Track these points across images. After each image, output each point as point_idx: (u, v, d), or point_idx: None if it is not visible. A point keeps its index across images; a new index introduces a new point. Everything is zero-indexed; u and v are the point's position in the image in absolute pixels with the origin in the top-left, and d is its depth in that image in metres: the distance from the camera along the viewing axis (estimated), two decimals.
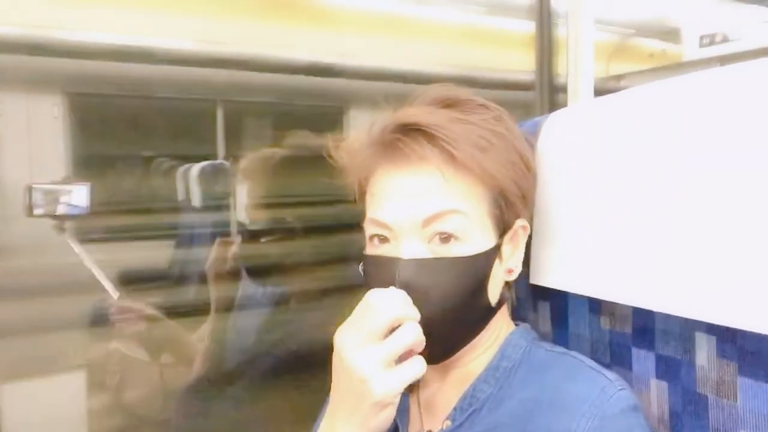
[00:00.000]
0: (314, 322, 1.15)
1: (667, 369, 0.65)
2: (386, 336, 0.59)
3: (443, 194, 0.64)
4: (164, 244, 1.76)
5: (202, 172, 1.71)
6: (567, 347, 0.73)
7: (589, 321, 0.75)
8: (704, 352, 0.61)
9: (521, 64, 1.51)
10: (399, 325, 0.60)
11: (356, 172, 0.71)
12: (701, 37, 2.20)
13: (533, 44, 1.46)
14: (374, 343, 0.59)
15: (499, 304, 0.71)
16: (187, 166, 1.80)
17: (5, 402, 1.06)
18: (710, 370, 0.61)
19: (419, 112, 0.66)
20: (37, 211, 1.33)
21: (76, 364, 1.21)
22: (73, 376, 1.21)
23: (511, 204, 0.68)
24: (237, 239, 1.30)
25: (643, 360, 0.68)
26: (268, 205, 1.19)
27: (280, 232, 1.17)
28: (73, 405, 1.18)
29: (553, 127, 0.77)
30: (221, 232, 1.61)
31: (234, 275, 1.25)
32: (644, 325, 0.68)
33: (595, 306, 0.74)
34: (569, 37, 1.27)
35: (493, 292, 0.68)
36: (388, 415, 0.59)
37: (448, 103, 0.69)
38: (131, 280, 1.40)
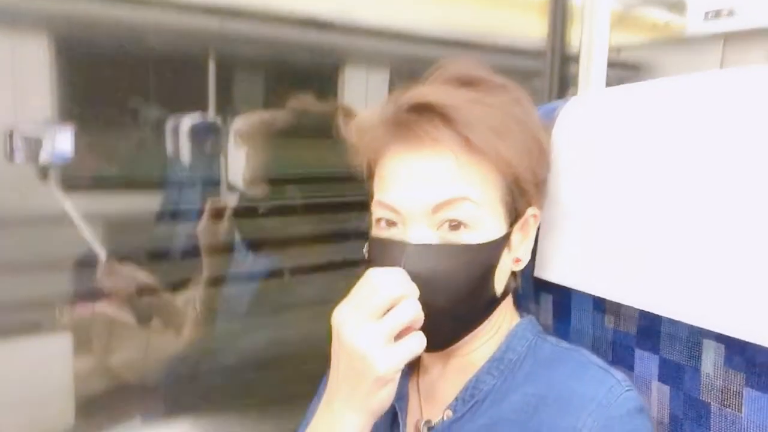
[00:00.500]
0: (309, 295, 1.13)
1: (671, 373, 0.65)
2: (385, 313, 0.58)
3: (456, 180, 0.62)
4: (151, 198, 1.72)
5: (193, 129, 1.66)
6: (568, 342, 0.72)
7: (593, 318, 0.74)
8: (711, 359, 0.61)
9: (532, 31, 1.47)
10: (398, 303, 0.59)
11: (365, 151, 0.69)
12: (706, 12, 2.16)
13: (546, 10, 1.41)
14: (373, 320, 0.58)
15: (505, 293, 0.70)
16: (176, 119, 1.74)
17: None
18: (716, 378, 0.60)
19: (435, 92, 0.64)
20: (18, 157, 1.29)
21: (59, 325, 1.19)
22: (57, 337, 1.19)
23: (525, 192, 0.66)
24: (228, 201, 1.27)
25: (646, 362, 0.67)
26: (267, 176, 1.15)
27: (277, 201, 1.15)
28: (58, 366, 1.17)
29: (570, 114, 0.74)
30: (210, 192, 1.58)
31: (227, 241, 1.23)
32: (650, 328, 0.67)
33: (600, 304, 0.73)
34: (584, 4, 1.22)
35: (500, 281, 0.67)
36: (389, 392, 0.59)
37: (466, 82, 0.66)
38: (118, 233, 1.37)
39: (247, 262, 1.26)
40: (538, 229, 0.72)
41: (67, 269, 1.32)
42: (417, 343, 0.59)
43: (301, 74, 2.03)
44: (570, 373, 0.64)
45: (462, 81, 0.67)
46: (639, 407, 0.61)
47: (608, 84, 1.43)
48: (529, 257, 0.70)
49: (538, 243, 0.74)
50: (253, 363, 1.21)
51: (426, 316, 0.61)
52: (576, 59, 1.24)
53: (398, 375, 0.59)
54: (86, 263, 1.27)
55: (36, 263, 1.24)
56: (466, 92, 0.65)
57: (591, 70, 1.11)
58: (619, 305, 0.70)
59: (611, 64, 2.26)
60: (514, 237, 0.67)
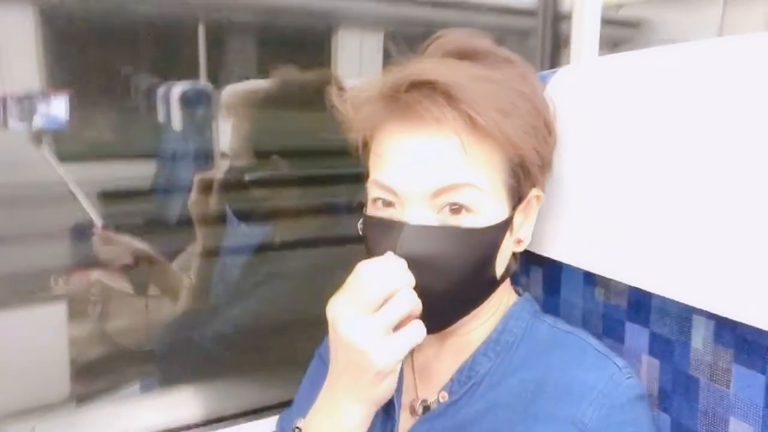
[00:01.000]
0: (298, 266, 1.13)
1: (661, 347, 0.65)
2: (382, 305, 0.57)
3: (460, 164, 0.59)
4: (145, 165, 1.71)
5: (183, 96, 1.64)
6: (558, 315, 0.72)
7: (583, 291, 0.74)
8: (701, 335, 0.60)
9: None
10: (393, 295, 0.58)
11: (361, 127, 0.65)
12: None
13: None
14: (369, 314, 0.56)
15: (505, 275, 0.68)
16: (167, 85, 1.72)
17: None
18: (705, 353, 0.60)
19: (437, 68, 0.60)
20: (12, 123, 1.28)
21: (56, 294, 1.19)
22: (54, 306, 1.19)
23: (529, 173, 0.64)
24: (217, 173, 1.26)
25: (636, 335, 0.67)
26: (252, 147, 1.14)
27: (264, 173, 1.14)
28: (53, 335, 1.18)
29: (561, 83, 0.72)
30: (203, 158, 1.56)
31: (218, 212, 1.22)
32: (640, 302, 0.67)
33: (590, 277, 0.72)
34: None
35: (501, 264, 0.66)
36: (390, 383, 0.58)
37: (469, 55, 0.64)
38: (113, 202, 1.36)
39: (238, 232, 1.25)
40: None
41: (63, 238, 1.32)
42: (416, 332, 0.57)
43: (293, 39, 2.00)
44: (569, 359, 0.63)
45: (464, 54, 0.64)
46: (640, 395, 0.60)
47: (607, 42, 1.39)
48: (530, 238, 0.68)
49: None
50: (248, 331, 1.21)
51: (423, 299, 0.59)
52: (570, 17, 1.20)
53: (399, 365, 0.57)
54: (82, 231, 1.27)
55: (33, 234, 1.24)
56: (469, 67, 0.62)
57: (584, 28, 1.07)
58: (609, 279, 0.69)
59: (610, 22, 2.22)
60: (516, 219, 0.65)
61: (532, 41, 1.42)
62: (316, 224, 1.16)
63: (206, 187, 1.18)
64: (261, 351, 1.20)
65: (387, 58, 1.62)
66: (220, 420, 1.12)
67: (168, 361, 1.23)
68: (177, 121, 1.69)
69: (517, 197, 0.64)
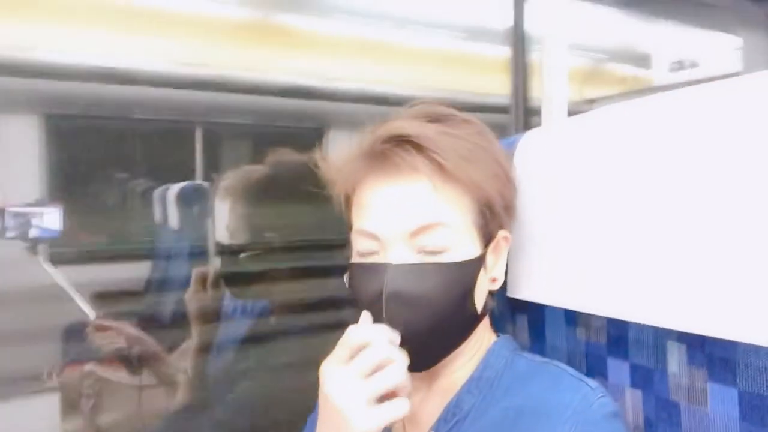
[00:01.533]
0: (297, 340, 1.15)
1: (641, 377, 0.67)
2: (372, 372, 0.60)
3: (432, 205, 0.65)
4: (141, 266, 1.75)
5: (181, 193, 1.70)
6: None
7: (566, 333, 0.76)
8: (675, 359, 0.63)
9: (499, 88, 1.54)
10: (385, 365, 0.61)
11: (343, 184, 0.71)
12: (671, 63, 2.26)
13: (509, 69, 1.49)
14: (359, 379, 0.60)
15: (483, 312, 0.71)
16: (164, 187, 1.79)
17: None
18: (681, 376, 0.62)
19: (409, 125, 0.67)
20: (9, 234, 1.33)
21: (49, 386, 1.20)
22: (46, 398, 1.19)
23: (496, 214, 0.69)
24: (215, 264, 1.30)
25: (618, 369, 0.69)
26: (250, 223, 1.19)
27: (260, 249, 1.17)
28: (45, 428, 1.17)
29: (528, 145, 0.79)
30: (199, 253, 1.61)
31: (215, 305, 1.25)
32: (618, 336, 0.69)
33: (572, 318, 0.75)
34: (543, 61, 1.30)
35: (479, 300, 0.69)
36: None
37: (434, 118, 0.70)
38: (107, 302, 1.39)
39: (236, 320, 1.27)
40: (508, 253, 0.75)
41: (57, 336, 1.34)
42: (400, 408, 0.60)
43: (286, 139, 2.10)
44: (545, 385, 0.66)
45: (430, 117, 0.71)
46: (613, 412, 0.63)
47: None
48: (503, 277, 0.73)
49: (509, 264, 0.77)
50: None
51: (411, 337, 0.64)
52: (538, 112, 1.31)
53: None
54: (75, 330, 1.28)
55: (28, 332, 1.26)
56: (435, 126, 0.68)
57: (551, 120, 1.17)
58: (589, 317, 0.72)
59: None
60: (489, 258, 0.70)
61: (501, 135, 1.52)
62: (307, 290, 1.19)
63: (204, 280, 1.22)
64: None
65: None
66: None
67: None
68: (174, 219, 1.74)
69: (487, 236, 0.69)
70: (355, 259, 0.70)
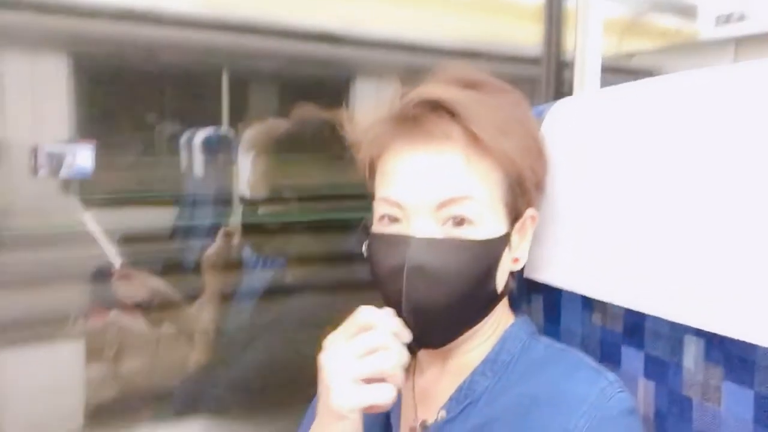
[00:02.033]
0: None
1: (655, 369, 0.66)
2: (365, 354, 0.60)
3: (463, 177, 0.63)
4: (167, 212, 1.77)
5: (206, 141, 1.70)
6: (558, 341, 0.73)
7: (582, 317, 0.75)
8: (692, 354, 0.62)
9: (531, 38, 1.48)
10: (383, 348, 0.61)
11: (369, 148, 0.69)
12: (717, 16, 2.16)
13: (542, 17, 1.42)
14: (350, 357, 0.60)
15: (503, 292, 0.70)
16: (190, 132, 1.79)
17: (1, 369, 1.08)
18: (696, 372, 0.61)
19: (443, 90, 0.65)
20: (41, 172, 1.34)
21: (74, 333, 1.23)
22: (70, 344, 1.22)
23: (526, 191, 0.67)
24: (236, 216, 1.30)
25: (632, 359, 0.68)
26: (269, 178, 1.18)
27: (278, 204, 1.17)
28: (69, 374, 1.21)
29: (557, 116, 0.76)
30: (222, 203, 1.62)
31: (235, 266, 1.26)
32: (635, 325, 0.68)
33: (588, 303, 0.74)
34: (578, 10, 1.23)
35: (501, 279, 0.68)
36: (347, 428, 0.60)
37: (468, 84, 0.68)
38: (134, 247, 1.41)
39: (258, 275, 1.28)
40: None
41: (83, 281, 1.37)
42: (383, 394, 0.59)
43: (313, 87, 2.07)
44: (562, 374, 0.65)
45: (464, 83, 0.68)
46: (630, 408, 0.62)
47: None
48: (526, 257, 0.71)
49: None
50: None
51: (428, 311, 0.63)
52: (572, 65, 1.25)
53: (358, 416, 0.60)
54: (101, 275, 1.31)
55: (55, 276, 1.29)
56: (469, 92, 0.66)
57: (585, 75, 1.12)
58: (606, 304, 0.71)
59: (622, 70, 2.26)
60: (514, 237, 0.68)
61: (534, 87, 1.47)
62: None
63: (227, 239, 1.23)
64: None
65: None
66: None
67: (181, 401, 1.25)
68: (198, 166, 1.74)
69: (514, 215, 0.67)
70: (376, 227, 0.68)
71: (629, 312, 0.68)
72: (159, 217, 1.78)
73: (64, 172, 1.39)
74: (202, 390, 1.21)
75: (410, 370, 0.77)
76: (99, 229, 1.40)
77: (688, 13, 2.28)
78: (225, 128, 1.89)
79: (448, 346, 0.69)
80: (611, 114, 0.68)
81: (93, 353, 1.23)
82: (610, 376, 0.63)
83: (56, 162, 1.40)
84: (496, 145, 0.63)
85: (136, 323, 1.20)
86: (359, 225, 1.10)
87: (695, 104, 0.58)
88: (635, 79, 0.69)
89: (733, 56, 2.17)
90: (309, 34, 1.83)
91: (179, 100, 1.98)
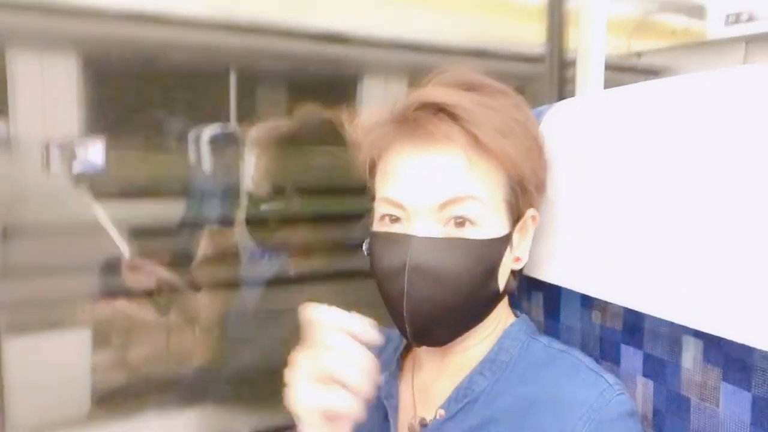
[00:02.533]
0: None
1: (654, 368, 0.66)
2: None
3: (465, 178, 0.63)
4: (176, 206, 1.78)
5: (213, 138, 1.71)
6: (558, 339, 0.73)
7: (581, 314, 0.75)
8: (690, 354, 0.62)
9: (534, 37, 1.48)
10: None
11: (370, 148, 0.70)
12: (727, 15, 2.14)
13: (545, 16, 1.42)
14: (310, 357, 0.57)
15: (504, 292, 0.71)
16: (198, 129, 1.80)
17: (8, 356, 1.09)
18: (695, 373, 0.61)
19: (444, 92, 0.65)
20: (53, 167, 1.36)
21: (82, 321, 1.25)
22: (78, 332, 1.24)
23: (527, 192, 0.68)
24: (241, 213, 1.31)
25: (631, 357, 0.69)
26: (272, 178, 1.19)
27: (281, 202, 1.18)
28: (77, 361, 1.22)
29: (556, 117, 0.76)
30: (229, 198, 1.63)
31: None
32: (634, 324, 0.68)
33: (588, 300, 0.74)
34: (580, 9, 1.23)
35: (502, 278, 0.68)
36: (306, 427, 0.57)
37: (469, 86, 0.68)
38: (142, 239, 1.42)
39: (260, 267, 1.30)
40: None
41: (92, 271, 1.38)
42: (340, 401, 0.55)
43: (321, 86, 2.08)
44: (561, 376, 0.65)
45: (465, 85, 0.68)
46: (630, 411, 0.62)
47: None
48: (527, 257, 0.72)
49: None
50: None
51: (429, 310, 0.63)
52: (575, 64, 1.25)
53: (314, 418, 0.56)
54: (111, 266, 1.32)
55: (65, 266, 1.30)
56: (470, 95, 0.66)
57: (588, 73, 1.12)
58: (605, 302, 0.71)
59: (631, 70, 2.25)
60: (515, 236, 0.69)
61: (537, 86, 1.47)
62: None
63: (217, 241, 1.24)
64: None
65: None
66: None
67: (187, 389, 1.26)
68: (206, 162, 1.76)
69: (515, 215, 0.68)
70: (377, 226, 0.69)
71: (629, 311, 0.68)
72: (167, 210, 1.80)
73: (75, 167, 1.41)
74: (207, 379, 1.22)
75: (409, 367, 0.77)
76: (109, 221, 1.41)
77: (697, 12, 2.27)
78: (232, 125, 1.90)
79: (447, 345, 0.70)
80: (609, 115, 0.68)
81: (100, 341, 1.24)
82: (610, 378, 0.63)
83: (68, 157, 1.42)
84: (496, 146, 0.63)
85: (144, 311, 1.21)
86: (359, 218, 1.11)
87: (693, 106, 0.58)
88: (644, 77, 0.69)
89: (743, 55, 2.15)
90: (316, 35, 1.84)
91: (187, 99, 1.99)
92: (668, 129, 0.60)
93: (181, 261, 1.45)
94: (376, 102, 1.86)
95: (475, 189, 0.64)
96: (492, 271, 0.67)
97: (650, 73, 2.22)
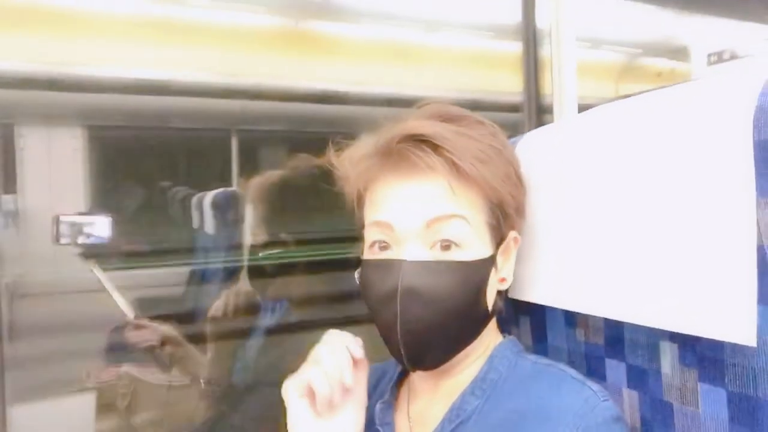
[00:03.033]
0: None
1: (637, 378, 0.67)
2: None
3: (449, 200, 0.66)
4: (182, 270, 1.81)
5: (215, 200, 1.76)
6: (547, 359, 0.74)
7: (566, 334, 0.77)
8: (668, 359, 0.63)
9: (516, 86, 1.54)
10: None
11: (357, 180, 0.72)
12: (709, 55, 2.20)
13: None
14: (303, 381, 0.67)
15: (492, 313, 0.73)
16: (200, 194, 1.85)
17: (14, 424, 1.10)
18: (674, 377, 0.62)
19: (424, 124, 0.68)
20: (63, 240, 1.40)
21: (88, 386, 1.26)
22: (83, 398, 1.25)
23: (507, 216, 0.71)
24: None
25: (615, 370, 0.70)
26: (268, 226, 1.23)
27: (279, 248, 1.21)
28: (82, 427, 1.23)
29: (528, 145, 0.79)
30: (234, 257, 1.66)
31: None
32: (615, 336, 0.70)
33: (571, 319, 0.76)
34: (552, 56, 1.28)
35: (489, 299, 0.71)
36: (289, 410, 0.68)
37: (448, 118, 0.71)
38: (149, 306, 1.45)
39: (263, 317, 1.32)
40: None
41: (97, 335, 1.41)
42: (317, 377, 0.66)
43: (319, 143, 2.12)
44: (547, 388, 0.66)
45: (444, 117, 0.71)
46: (615, 416, 0.63)
47: None
48: (512, 277, 0.74)
49: None
50: None
51: (423, 332, 0.66)
52: (551, 111, 1.31)
53: (293, 393, 0.67)
54: (116, 332, 1.35)
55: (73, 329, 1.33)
56: (450, 125, 0.69)
57: (563, 117, 1.17)
58: (586, 318, 0.73)
59: None
60: (499, 258, 0.71)
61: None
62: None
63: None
64: None
65: None
66: None
67: None
68: (209, 225, 1.80)
69: (498, 237, 0.70)
70: (367, 255, 0.71)
71: (609, 324, 0.70)
72: (172, 276, 1.83)
73: (82, 240, 1.45)
74: None
75: (404, 395, 0.78)
76: (113, 287, 1.44)
77: (681, 53, 2.33)
78: (234, 187, 1.95)
79: (440, 369, 0.71)
80: (579, 138, 0.72)
81: (105, 406, 1.25)
82: (594, 386, 0.65)
83: (76, 231, 1.46)
84: (476, 173, 0.66)
85: (148, 374, 1.23)
86: (352, 261, 1.14)
87: (659, 121, 0.61)
88: None
89: None
90: (313, 95, 1.91)
91: (191, 165, 2.05)
92: (635, 145, 0.63)
93: (187, 318, 1.47)
94: None
95: (459, 209, 0.67)
96: (479, 292, 0.69)
97: None
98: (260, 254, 1.22)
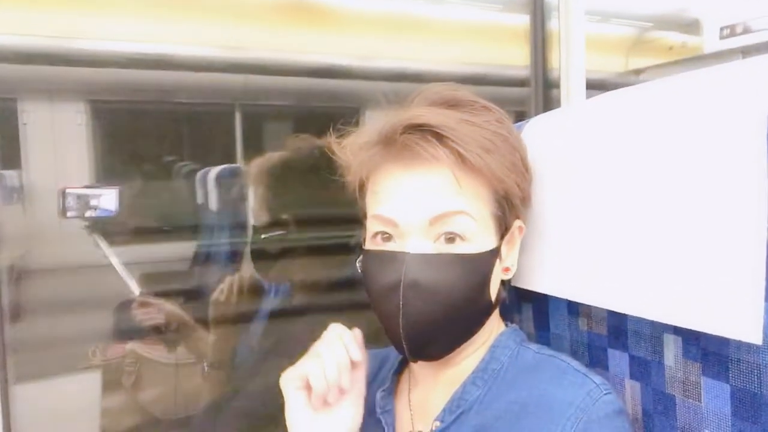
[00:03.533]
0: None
1: (640, 369, 0.66)
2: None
3: (454, 194, 0.65)
4: (187, 245, 1.82)
5: (218, 176, 1.75)
6: (549, 347, 0.74)
7: (569, 323, 0.76)
8: (672, 352, 0.62)
9: (521, 60, 1.51)
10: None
11: (359, 169, 0.71)
12: (721, 29, 2.16)
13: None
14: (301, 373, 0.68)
15: (496, 302, 0.72)
16: (205, 170, 1.84)
17: (18, 402, 1.11)
18: (677, 370, 0.62)
19: (427, 113, 0.66)
20: (70, 214, 1.40)
21: (94, 363, 1.27)
22: (89, 375, 1.26)
23: (513, 206, 0.69)
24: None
25: (618, 360, 0.69)
26: (268, 208, 1.22)
27: (280, 229, 1.21)
28: (87, 404, 1.24)
29: (534, 130, 0.78)
30: (237, 234, 1.66)
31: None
32: (618, 327, 0.69)
33: (574, 308, 0.75)
34: (560, 29, 1.26)
35: (493, 289, 0.70)
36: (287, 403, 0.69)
37: (452, 104, 0.69)
38: (154, 281, 1.45)
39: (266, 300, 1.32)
40: None
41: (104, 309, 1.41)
42: (313, 369, 0.67)
43: (323, 118, 2.11)
44: (549, 379, 0.66)
45: (449, 103, 0.70)
46: (618, 410, 0.62)
47: None
48: (516, 266, 0.73)
49: None
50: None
51: (425, 325, 0.65)
52: (559, 85, 1.28)
53: (289, 385, 0.68)
54: (123, 309, 1.35)
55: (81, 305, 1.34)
56: (454, 113, 0.68)
57: (570, 92, 1.14)
58: (590, 308, 0.72)
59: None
60: (503, 249, 0.70)
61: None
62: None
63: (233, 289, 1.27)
64: None
65: None
66: None
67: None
68: (213, 200, 1.80)
69: (503, 227, 0.69)
70: (370, 245, 0.70)
71: (612, 315, 0.69)
72: (178, 250, 1.83)
73: (89, 213, 1.45)
74: (218, 417, 1.23)
75: (405, 382, 0.78)
76: (120, 263, 1.45)
77: (693, 27, 2.29)
78: (238, 163, 1.94)
79: (443, 359, 0.71)
80: (584, 125, 0.70)
81: (112, 383, 1.26)
82: (597, 378, 0.64)
83: (83, 204, 1.46)
84: (482, 163, 0.65)
85: (154, 352, 1.24)
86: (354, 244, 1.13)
87: (669, 110, 0.60)
88: None
89: None
90: (318, 70, 1.88)
91: (195, 140, 2.04)
92: (641, 136, 0.61)
93: (192, 296, 1.47)
94: None
95: (464, 204, 0.65)
96: (484, 284, 0.68)
97: None
98: (261, 236, 1.21)
